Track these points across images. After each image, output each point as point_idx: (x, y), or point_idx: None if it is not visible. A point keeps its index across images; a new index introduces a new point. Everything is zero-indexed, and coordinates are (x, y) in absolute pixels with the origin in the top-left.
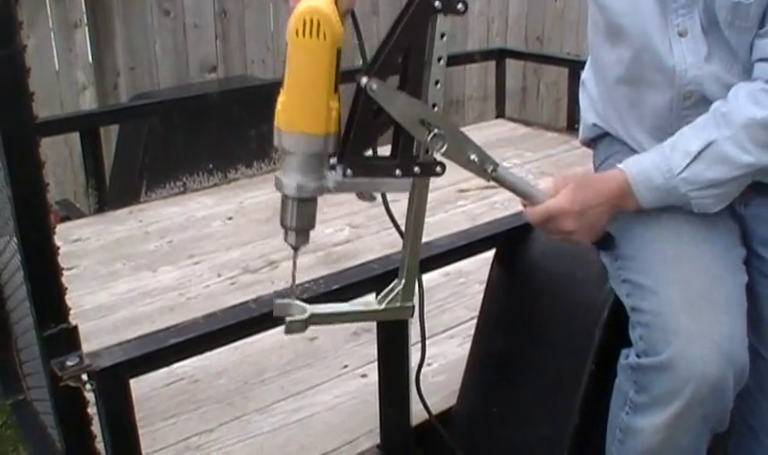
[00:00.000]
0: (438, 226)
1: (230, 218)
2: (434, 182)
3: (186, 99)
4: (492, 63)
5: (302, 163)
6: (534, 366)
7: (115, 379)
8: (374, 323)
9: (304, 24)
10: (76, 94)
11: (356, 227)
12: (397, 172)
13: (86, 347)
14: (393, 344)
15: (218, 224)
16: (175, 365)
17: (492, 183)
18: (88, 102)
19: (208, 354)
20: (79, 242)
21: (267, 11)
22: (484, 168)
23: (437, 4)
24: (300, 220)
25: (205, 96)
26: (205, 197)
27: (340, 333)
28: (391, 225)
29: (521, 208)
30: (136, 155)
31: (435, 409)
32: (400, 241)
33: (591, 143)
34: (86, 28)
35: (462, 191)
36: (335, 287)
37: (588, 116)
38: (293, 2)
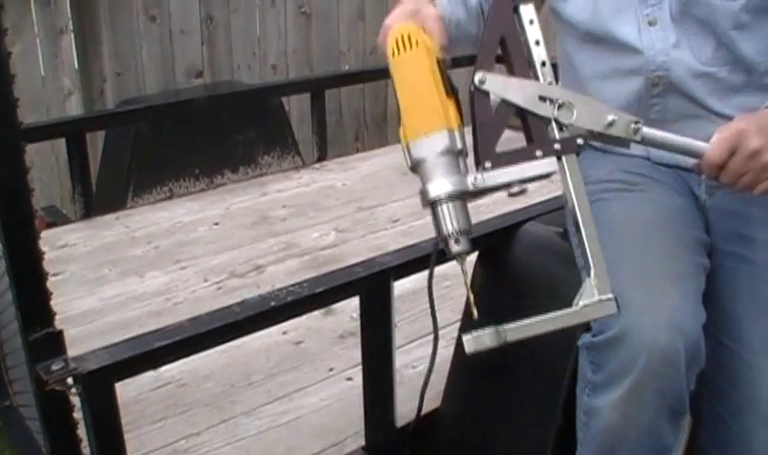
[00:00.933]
0: (422, 230)
1: (217, 223)
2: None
3: (172, 104)
4: None
5: (436, 165)
6: (516, 367)
7: (100, 383)
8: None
9: (397, 42)
10: (62, 100)
11: (342, 232)
12: (538, 153)
13: (74, 352)
14: (377, 347)
15: (204, 229)
16: (162, 369)
17: None
18: (74, 108)
19: (194, 357)
20: (66, 247)
21: (254, 17)
22: (631, 126)
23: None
24: (458, 221)
25: (191, 101)
26: (191, 202)
27: (326, 336)
28: (376, 229)
29: (506, 209)
30: (122, 161)
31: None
32: (386, 246)
33: None
34: (72, 34)
35: None
36: (318, 290)
37: None
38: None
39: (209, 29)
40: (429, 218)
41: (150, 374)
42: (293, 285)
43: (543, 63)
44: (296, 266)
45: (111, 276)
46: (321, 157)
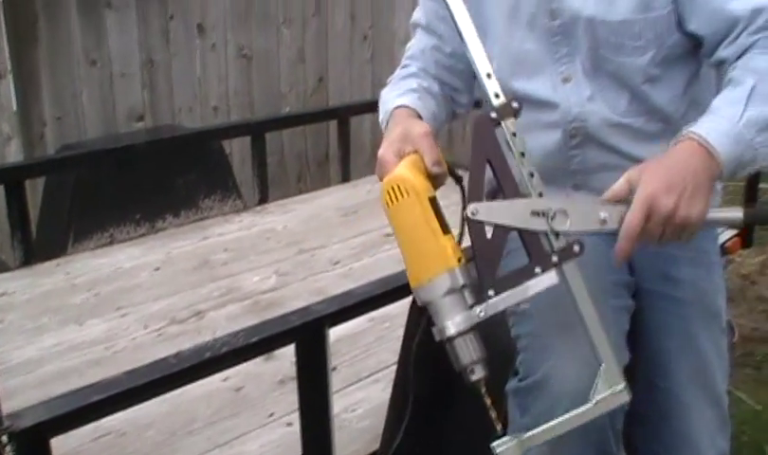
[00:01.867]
0: (364, 270)
1: (158, 268)
2: (360, 227)
3: (112, 149)
4: None
5: (442, 305)
6: (452, 409)
7: (35, 440)
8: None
9: (389, 193)
10: (1, 144)
11: (282, 275)
12: (537, 270)
13: (12, 403)
14: (314, 394)
15: (145, 274)
16: (103, 419)
17: None
18: (13, 153)
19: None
20: (5, 296)
21: (194, 59)
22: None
23: (493, 116)
24: (472, 352)
25: (132, 146)
26: (132, 248)
27: (267, 381)
28: (317, 271)
29: None
30: (62, 207)
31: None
32: (327, 288)
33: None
34: (11, 78)
35: (388, 234)
36: (254, 340)
37: None
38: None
39: (149, 73)
40: (368, 260)
41: (90, 425)
42: (228, 336)
43: (531, 175)
44: (236, 311)
45: (50, 324)
46: (263, 200)
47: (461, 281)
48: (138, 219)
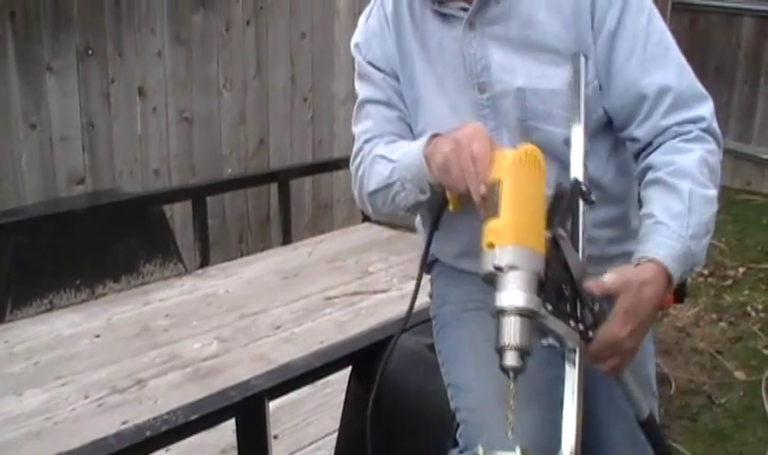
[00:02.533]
0: (306, 335)
1: (98, 336)
2: (301, 291)
3: (52, 215)
4: None
5: (526, 279)
6: None
7: None
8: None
9: (527, 154)
10: None
11: (224, 341)
12: (572, 323)
13: None
14: None
15: (86, 342)
16: None
17: (359, 289)
18: None
19: None
20: None
21: (135, 123)
22: None
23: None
24: (522, 337)
25: (72, 211)
26: (72, 314)
27: (209, 452)
28: (259, 336)
29: (387, 315)
30: (0, 273)
31: None
32: (268, 354)
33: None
34: None
35: (328, 298)
36: (193, 417)
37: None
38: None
39: (90, 136)
40: (309, 324)
41: None
42: (169, 413)
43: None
44: (178, 379)
45: None
46: (204, 263)
47: (542, 273)
48: (78, 284)
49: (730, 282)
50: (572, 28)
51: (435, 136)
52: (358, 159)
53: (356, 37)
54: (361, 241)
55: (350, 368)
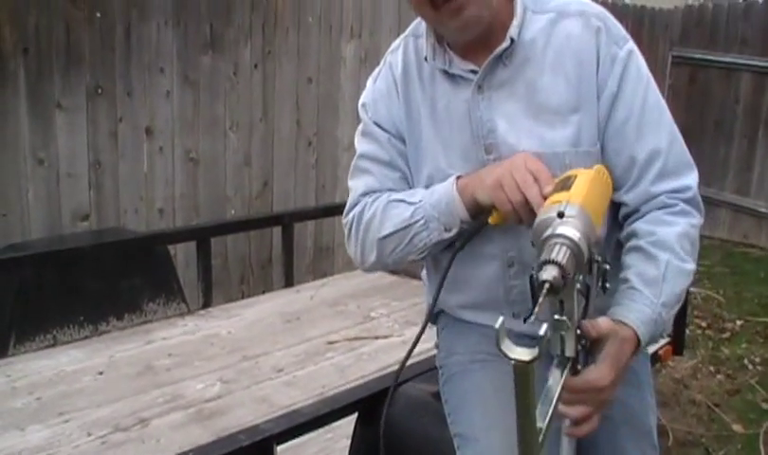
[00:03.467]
0: (308, 379)
1: (101, 372)
2: (303, 334)
3: (58, 251)
4: None
5: (583, 230)
6: None
7: None
8: None
9: (602, 170)
10: None
11: (226, 382)
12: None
13: None
14: None
15: (89, 379)
16: None
17: (361, 334)
18: None
19: None
20: None
21: (141, 162)
22: None
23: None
24: (567, 259)
25: (77, 248)
26: (75, 350)
27: None
28: (261, 379)
29: (388, 361)
30: (4, 308)
31: None
32: (271, 396)
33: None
34: None
35: (330, 342)
36: None
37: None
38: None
39: (96, 173)
40: (311, 368)
41: None
42: None
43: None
44: (181, 420)
45: None
46: (207, 304)
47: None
48: (82, 321)
49: (728, 334)
50: (575, 88)
51: (460, 177)
52: (356, 210)
53: (364, 97)
54: (363, 286)
55: (355, 414)
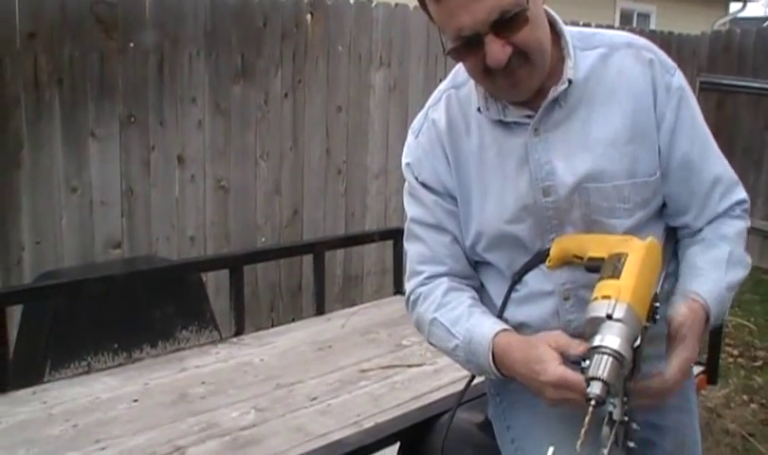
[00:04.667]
0: (343, 407)
1: (136, 400)
2: (336, 362)
3: (92, 279)
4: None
5: (628, 334)
6: None
7: None
8: None
9: (653, 245)
10: None
11: (261, 410)
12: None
13: None
14: None
15: (123, 406)
16: None
17: (393, 362)
18: None
19: None
20: None
21: (173, 191)
22: None
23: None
24: (610, 373)
25: (111, 277)
26: (109, 377)
27: None
28: (295, 407)
29: (422, 390)
30: (40, 335)
31: None
32: (306, 425)
33: None
34: None
35: (363, 371)
36: None
37: None
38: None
39: (129, 201)
40: (346, 397)
41: None
42: None
43: None
44: (217, 448)
45: None
46: (239, 332)
47: (638, 340)
48: (116, 348)
49: (760, 363)
50: (630, 120)
51: (495, 337)
52: (414, 290)
53: (407, 156)
54: (394, 314)
55: (397, 444)
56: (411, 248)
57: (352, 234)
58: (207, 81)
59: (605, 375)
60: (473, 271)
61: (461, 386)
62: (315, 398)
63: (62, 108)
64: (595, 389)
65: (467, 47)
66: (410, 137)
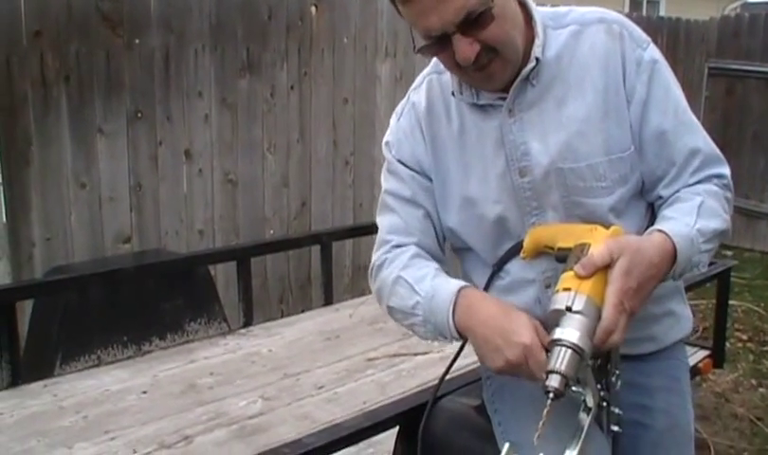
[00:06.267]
0: (349, 395)
1: (145, 392)
2: (343, 352)
3: (102, 273)
4: None
5: (587, 326)
6: None
7: None
8: None
9: (615, 233)
10: None
11: (268, 400)
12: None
13: None
14: None
15: (133, 398)
16: None
17: (400, 351)
18: (2, 273)
19: None
20: None
21: (181, 185)
22: None
23: None
24: (568, 367)
25: (121, 270)
26: (119, 370)
27: None
28: (302, 396)
29: (428, 377)
30: (51, 329)
31: None
32: (312, 413)
33: None
34: (2, 199)
35: (370, 359)
36: None
37: None
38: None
39: (137, 196)
40: (352, 385)
41: None
42: None
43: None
44: (224, 437)
45: (39, 448)
46: (247, 323)
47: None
48: (126, 341)
49: None
50: (602, 96)
51: (462, 289)
52: (379, 257)
53: (388, 136)
54: None
55: (396, 428)
56: (383, 220)
57: (359, 225)
58: (213, 76)
59: (563, 369)
60: (443, 254)
61: (470, 374)
62: (322, 387)
63: (69, 105)
64: (553, 382)
65: (437, 46)
66: (392, 119)
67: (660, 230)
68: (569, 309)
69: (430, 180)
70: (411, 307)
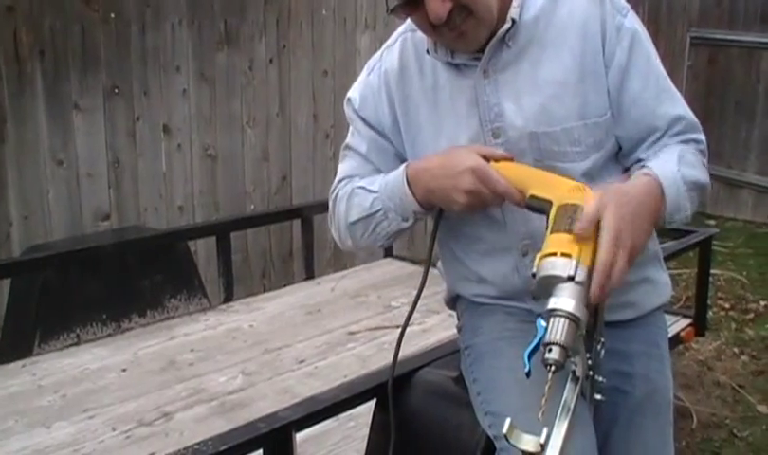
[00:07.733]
0: (330, 369)
1: (125, 369)
2: (325, 326)
3: (80, 250)
4: None
5: (583, 294)
6: None
7: None
8: None
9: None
10: None
11: (248, 375)
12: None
13: None
14: None
15: (113, 376)
16: None
17: (382, 324)
18: None
19: None
20: None
21: (160, 160)
22: None
23: None
24: (567, 336)
25: (99, 247)
26: (99, 348)
27: None
28: (283, 370)
29: (410, 350)
30: (29, 308)
31: None
32: (293, 387)
33: (450, 303)
34: None
35: (351, 333)
36: (222, 448)
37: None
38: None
39: (115, 173)
40: (333, 358)
41: None
42: (198, 444)
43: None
44: (204, 413)
45: (17, 427)
46: (228, 299)
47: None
48: (105, 319)
49: (752, 315)
50: (579, 60)
51: (408, 164)
52: (333, 195)
53: (354, 90)
54: (383, 276)
55: (375, 400)
56: (341, 167)
57: None
58: (190, 50)
59: (562, 340)
60: None
61: (449, 345)
62: (302, 361)
63: (44, 81)
64: (554, 354)
65: (409, 6)
66: (363, 72)
67: (645, 173)
68: (571, 278)
69: (390, 142)
70: (369, 206)
